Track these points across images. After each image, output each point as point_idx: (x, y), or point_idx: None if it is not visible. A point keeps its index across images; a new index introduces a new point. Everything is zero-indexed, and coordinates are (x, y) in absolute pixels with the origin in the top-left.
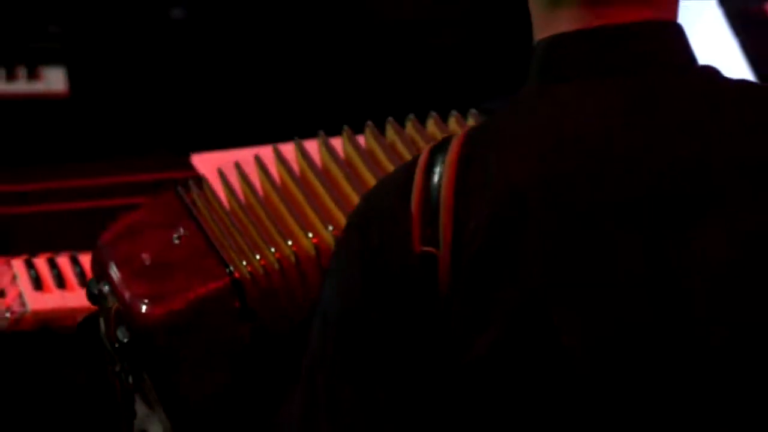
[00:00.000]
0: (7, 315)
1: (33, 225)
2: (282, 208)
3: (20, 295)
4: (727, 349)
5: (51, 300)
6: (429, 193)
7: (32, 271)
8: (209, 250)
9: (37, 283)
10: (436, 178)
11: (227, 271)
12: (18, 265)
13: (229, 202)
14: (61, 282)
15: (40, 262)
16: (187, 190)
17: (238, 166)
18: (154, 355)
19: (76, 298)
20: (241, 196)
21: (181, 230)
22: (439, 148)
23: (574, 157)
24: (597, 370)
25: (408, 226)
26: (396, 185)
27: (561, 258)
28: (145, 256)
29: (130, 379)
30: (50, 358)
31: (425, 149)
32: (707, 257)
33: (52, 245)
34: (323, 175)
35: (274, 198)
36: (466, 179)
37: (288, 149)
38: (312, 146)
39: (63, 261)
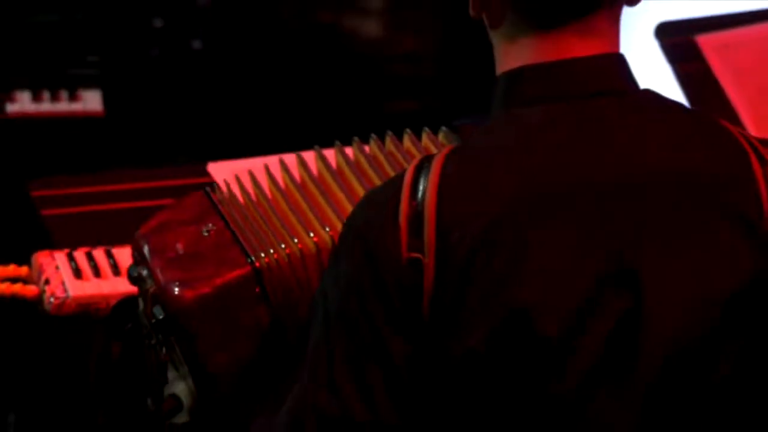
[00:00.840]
0: (52, 300)
1: (73, 224)
2: (287, 211)
3: (63, 283)
4: (673, 335)
5: (89, 287)
6: (415, 207)
7: (73, 263)
8: (234, 243)
9: (77, 273)
10: (420, 195)
11: (249, 260)
12: (60, 257)
13: (245, 203)
14: (97, 272)
15: (80, 255)
16: (213, 191)
17: (251, 173)
18: (185, 331)
19: (110, 286)
20: (254, 199)
21: (210, 225)
22: (422, 167)
23: (543, 176)
24: (568, 354)
25: (398, 236)
26: (387, 199)
27: (539, 263)
28: (179, 246)
29: (164, 350)
30: (88, 336)
31: (410, 167)
32: (658, 254)
33: (89, 241)
34: (318, 182)
35: (281, 201)
36: (447, 195)
37: (290, 159)
38: (309, 156)
39: (99, 254)
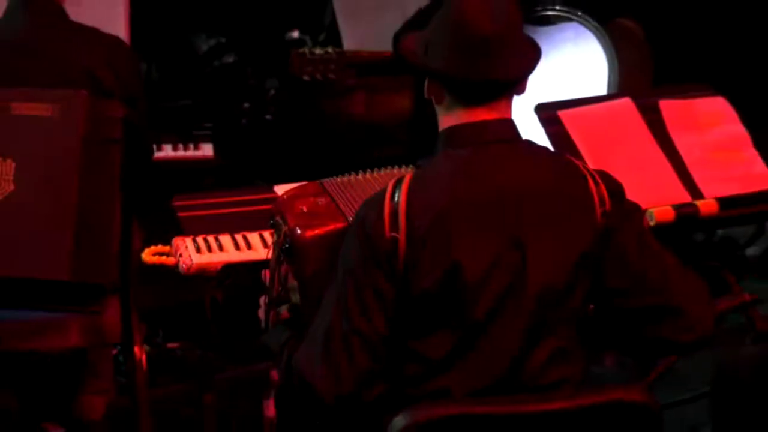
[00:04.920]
0: (183, 266)
1: (196, 221)
2: (358, 196)
3: (190, 256)
4: (546, 280)
5: (205, 258)
6: (393, 206)
7: (195, 244)
8: (337, 209)
9: (198, 249)
10: (396, 199)
11: (346, 219)
12: (188, 241)
13: (339, 189)
14: (209, 249)
15: (200, 239)
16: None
17: (337, 180)
18: (301, 256)
19: (217, 257)
20: (342, 188)
21: (322, 198)
22: (397, 183)
23: (466, 188)
24: (482, 291)
25: (383, 223)
26: (376, 202)
27: (465, 237)
28: (303, 208)
29: (285, 268)
30: (203, 288)
31: (390, 183)
32: (535, 235)
33: (205, 231)
34: (362, 183)
35: (351, 190)
36: (411, 199)
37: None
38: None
39: (211, 239)
